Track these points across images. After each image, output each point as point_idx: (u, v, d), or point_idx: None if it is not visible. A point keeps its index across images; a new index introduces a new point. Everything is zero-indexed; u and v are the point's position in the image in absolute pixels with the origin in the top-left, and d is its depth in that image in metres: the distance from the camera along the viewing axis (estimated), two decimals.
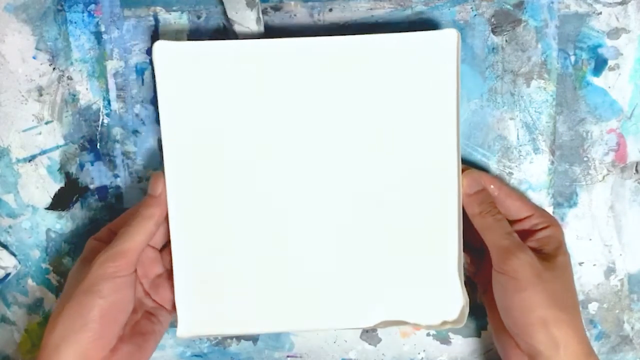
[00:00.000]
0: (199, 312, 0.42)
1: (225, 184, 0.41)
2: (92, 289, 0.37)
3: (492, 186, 0.41)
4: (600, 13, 0.42)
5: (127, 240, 0.39)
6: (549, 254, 0.39)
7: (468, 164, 0.43)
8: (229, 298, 0.42)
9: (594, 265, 0.45)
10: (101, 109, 0.44)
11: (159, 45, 0.39)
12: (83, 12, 0.42)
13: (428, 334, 0.47)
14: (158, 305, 0.42)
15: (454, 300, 0.42)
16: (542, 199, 0.44)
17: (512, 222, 0.41)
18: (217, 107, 0.40)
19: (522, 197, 0.42)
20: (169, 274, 0.42)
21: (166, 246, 0.43)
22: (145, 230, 0.39)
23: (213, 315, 0.42)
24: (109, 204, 0.45)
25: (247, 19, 0.41)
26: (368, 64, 0.40)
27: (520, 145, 0.43)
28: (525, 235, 0.40)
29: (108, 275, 0.38)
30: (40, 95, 0.43)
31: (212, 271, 0.42)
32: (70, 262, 0.46)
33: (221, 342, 0.47)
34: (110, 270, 0.38)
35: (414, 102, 0.40)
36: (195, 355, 0.47)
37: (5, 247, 0.45)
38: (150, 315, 0.41)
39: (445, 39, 0.39)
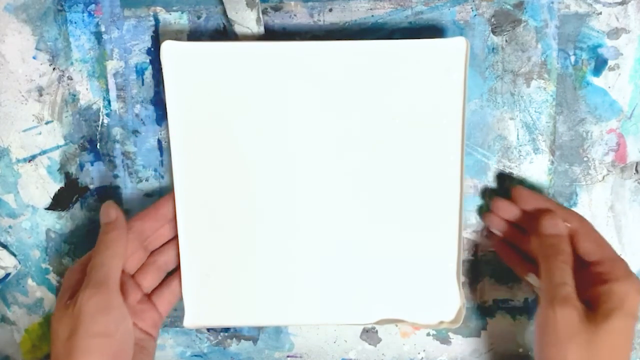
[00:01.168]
0: (204, 303, 0.43)
1: (230, 180, 0.41)
2: (91, 330, 0.35)
3: (568, 225, 0.39)
4: (600, 13, 0.42)
5: (102, 266, 0.38)
6: (603, 313, 0.36)
7: (468, 164, 0.43)
8: (233, 291, 0.43)
9: None
10: (101, 109, 0.44)
11: (167, 46, 0.39)
12: (83, 12, 0.42)
13: (428, 334, 0.47)
14: (144, 334, 0.41)
15: (451, 301, 0.43)
16: None
17: (586, 263, 0.39)
18: (223, 106, 0.41)
19: (599, 239, 0.40)
20: (149, 297, 0.42)
21: (141, 268, 0.42)
22: (114, 254, 0.38)
23: (217, 307, 0.43)
24: None
25: (247, 19, 0.41)
26: (375, 68, 0.40)
27: (520, 145, 0.43)
28: (592, 281, 0.38)
29: (100, 311, 0.36)
30: (40, 95, 0.43)
31: (217, 265, 0.42)
32: (71, 262, 0.46)
33: (221, 342, 0.47)
34: (99, 304, 0.36)
35: (419, 108, 0.40)
36: (195, 355, 0.47)
37: (5, 247, 0.45)
38: (141, 348, 0.40)
39: (455, 47, 0.39)
